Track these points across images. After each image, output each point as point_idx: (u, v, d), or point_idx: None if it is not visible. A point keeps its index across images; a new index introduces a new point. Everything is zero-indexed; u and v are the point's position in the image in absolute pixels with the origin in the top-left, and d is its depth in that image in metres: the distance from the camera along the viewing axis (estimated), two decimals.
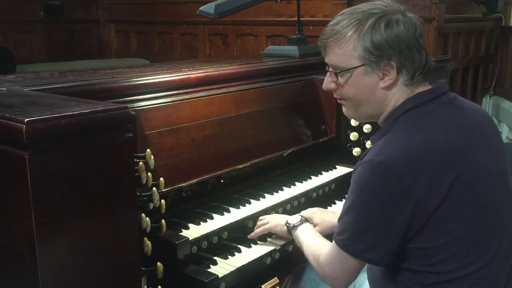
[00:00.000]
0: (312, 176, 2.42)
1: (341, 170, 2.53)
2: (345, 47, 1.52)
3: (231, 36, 5.20)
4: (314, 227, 1.90)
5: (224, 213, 1.99)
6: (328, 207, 2.28)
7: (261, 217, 2.00)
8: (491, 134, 1.57)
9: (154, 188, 1.57)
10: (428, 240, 1.42)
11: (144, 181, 1.49)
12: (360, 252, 1.47)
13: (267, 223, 1.94)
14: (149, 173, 1.51)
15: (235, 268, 1.77)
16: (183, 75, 2.11)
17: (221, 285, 1.71)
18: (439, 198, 1.38)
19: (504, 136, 4.44)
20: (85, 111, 1.27)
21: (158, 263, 1.56)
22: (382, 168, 1.39)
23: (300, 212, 1.97)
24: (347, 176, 2.51)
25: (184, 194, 1.96)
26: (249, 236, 1.93)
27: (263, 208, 2.05)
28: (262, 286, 2.01)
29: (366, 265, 1.69)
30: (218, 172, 2.04)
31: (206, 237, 1.85)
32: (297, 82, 2.56)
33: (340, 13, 1.57)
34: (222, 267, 1.77)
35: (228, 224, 1.93)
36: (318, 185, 2.34)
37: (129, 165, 1.38)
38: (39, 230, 1.21)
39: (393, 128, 1.50)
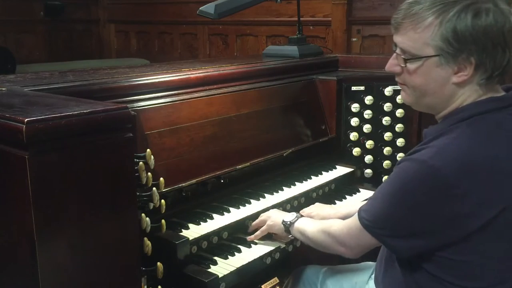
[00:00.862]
0: (312, 176, 2.41)
1: (341, 170, 2.53)
2: (422, 33, 1.36)
3: (231, 36, 5.21)
4: None
5: (224, 213, 1.99)
6: None
7: (262, 214, 1.99)
8: None
9: (154, 188, 1.57)
10: (459, 253, 1.36)
11: (144, 181, 1.49)
12: (381, 236, 1.44)
13: (267, 220, 1.94)
14: (149, 173, 1.51)
15: (235, 268, 1.77)
16: (183, 75, 2.11)
17: (221, 285, 1.71)
18: (482, 220, 1.30)
19: None
20: (85, 111, 1.27)
21: (158, 263, 1.56)
22: (433, 174, 1.30)
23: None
24: (347, 176, 2.52)
25: (184, 194, 1.96)
26: (248, 239, 1.94)
27: (263, 208, 2.05)
28: (262, 286, 2.01)
29: (374, 274, 1.68)
30: (218, 172, 2.04)
31: (206, 237, 1.85)
32: (297, 82, 2.56)
33: None
34: (222, 267, 1.77)
35: (228, 224, 1.93)
36: (318, 185, 2.34)
37: (129, 165, 1.38)
38: (39, 230, 1.21)
39: (455, 130, 1.36)
